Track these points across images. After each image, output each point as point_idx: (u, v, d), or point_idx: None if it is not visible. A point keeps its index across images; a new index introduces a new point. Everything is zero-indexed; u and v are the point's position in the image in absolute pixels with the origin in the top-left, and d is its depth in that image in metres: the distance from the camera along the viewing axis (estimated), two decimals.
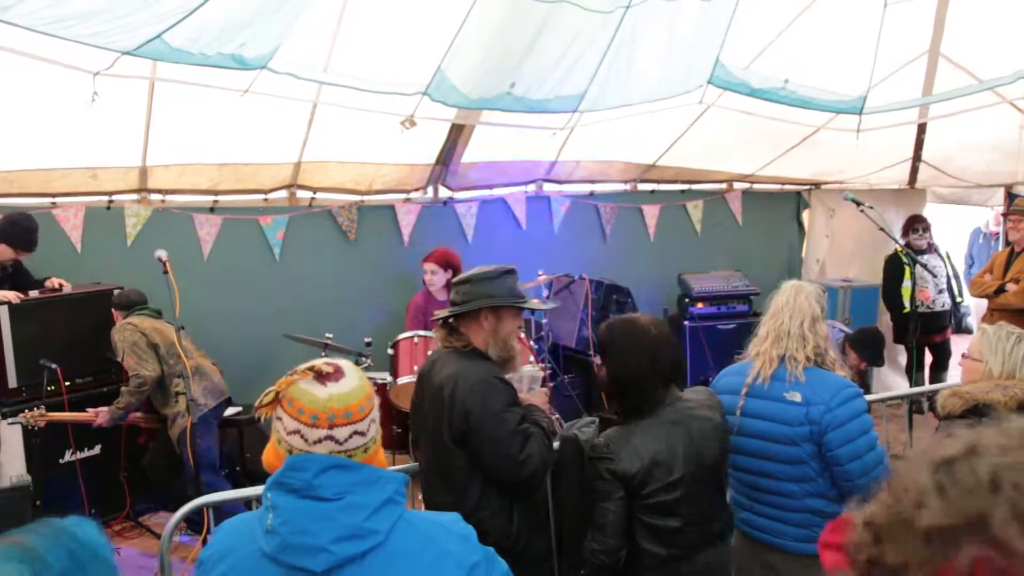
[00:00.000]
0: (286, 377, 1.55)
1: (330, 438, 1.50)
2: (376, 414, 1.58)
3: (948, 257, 7.05)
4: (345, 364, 1.59)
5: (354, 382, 1.55)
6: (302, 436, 1.50)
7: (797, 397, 2.74)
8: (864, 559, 0.86)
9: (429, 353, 3.11)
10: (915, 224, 6.73)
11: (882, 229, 5.46)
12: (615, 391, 2.64)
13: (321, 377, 1.54)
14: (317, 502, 1.44)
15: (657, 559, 2.50)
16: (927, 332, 6.38)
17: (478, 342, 2.77)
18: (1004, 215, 6.80)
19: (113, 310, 4.79)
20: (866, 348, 5.37)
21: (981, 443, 0.84)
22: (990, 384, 2.69)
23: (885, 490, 0.89)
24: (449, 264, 5.56)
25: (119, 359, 4.58)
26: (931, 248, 6.74)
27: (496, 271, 2.81)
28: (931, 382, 6.39)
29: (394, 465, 3.68)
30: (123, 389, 4.52)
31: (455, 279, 2.90)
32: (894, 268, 6.62)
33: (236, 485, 4.77)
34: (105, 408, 4.52)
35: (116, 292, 4.89)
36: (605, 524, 2.49)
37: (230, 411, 4.91)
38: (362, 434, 1.53)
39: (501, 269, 2.82)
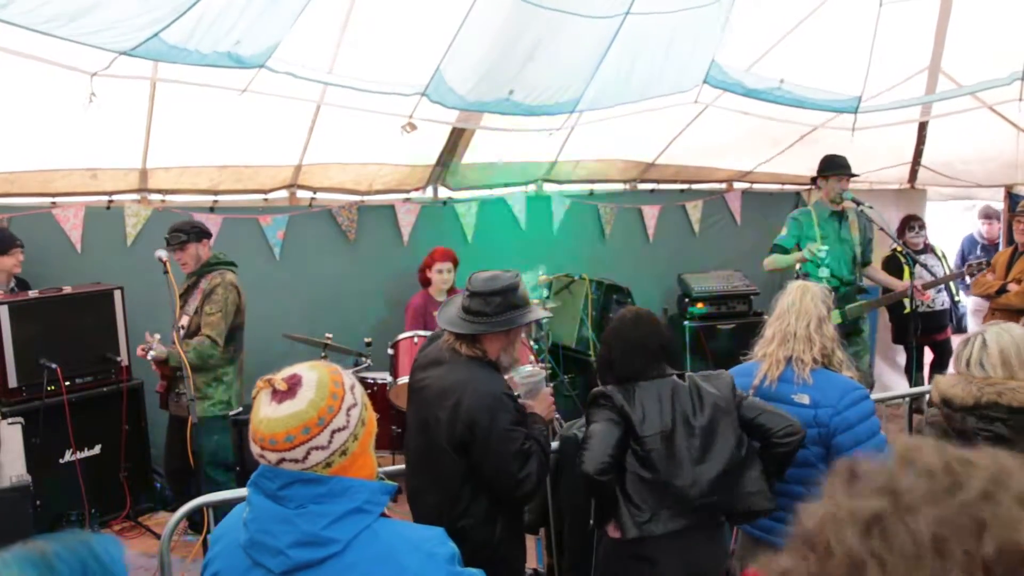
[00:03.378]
0: (259, 382, 1.53)
1: (286, 460, 1.48)
2: (345, 421, 1.51)
3: (944, 256, 7.06)
4: (308, 378, 1.52)
5: (300, 405, 1.48)
6: (264, 457, 1.50)
7: (805, 399, 2.73)
8: None
9: (429, 335, 3.09)
10: (911, 223, 6.75)
11: (882, 229, 5.48)
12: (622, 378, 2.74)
13: (275, 394, 1.50)
14: (281, 505, 1.48)
15: (645, 514, 2.55)
16: (928, 331, 6.39)
17: (493, 351, 2.70)
18: (1010, 216, 6.82)
19: (194, 245, 4.45)
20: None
21: (905, 493, 0.73)
22: (959, 378, 2.65)
23: (800, 543, 0.77)
24: (456, 263, 5.57)
25: (204, 307, 4.29)
26: (927, 247, 6.77)
27: (517, 278, 2.72)
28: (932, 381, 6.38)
29: (394, 465, 3.68)
30: (193, 342, 4.28)
31: (478, 289, 2.68)
32: (893, 268, 6.62)
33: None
34: (164, 348, 4.30)
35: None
36: (590, 436, 2.64)
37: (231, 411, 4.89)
38: (322, 448, 1.48)
39: (517, 276, 2.74)
